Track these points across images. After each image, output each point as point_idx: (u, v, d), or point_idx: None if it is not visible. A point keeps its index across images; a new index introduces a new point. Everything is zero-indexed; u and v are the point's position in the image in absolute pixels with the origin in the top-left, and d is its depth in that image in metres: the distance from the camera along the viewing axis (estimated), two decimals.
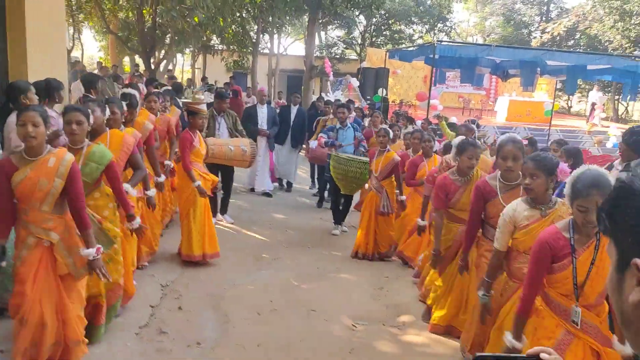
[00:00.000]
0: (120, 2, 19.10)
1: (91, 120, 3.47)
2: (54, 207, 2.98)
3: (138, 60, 21.67)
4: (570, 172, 2.89)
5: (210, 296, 4.72)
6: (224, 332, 4.07)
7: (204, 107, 5.62)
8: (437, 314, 4.28)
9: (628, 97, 14.98)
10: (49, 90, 4.63)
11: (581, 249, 2.44)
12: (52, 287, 3.01)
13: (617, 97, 26.40)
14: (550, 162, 2.92)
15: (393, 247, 6.25)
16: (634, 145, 3.95)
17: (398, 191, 6.13)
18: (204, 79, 18.58)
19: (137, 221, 3.82)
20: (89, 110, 3.50)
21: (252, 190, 8.98)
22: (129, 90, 5.32)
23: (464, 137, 4.45)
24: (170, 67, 23.45)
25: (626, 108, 29.09)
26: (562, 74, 13.01)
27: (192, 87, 17.08)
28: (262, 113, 8.54)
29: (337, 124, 7.53)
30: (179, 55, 30.19)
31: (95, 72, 16.91)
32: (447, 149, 5.42)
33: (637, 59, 13.11)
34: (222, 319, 4.29)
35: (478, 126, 7.61)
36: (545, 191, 2.91)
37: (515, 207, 2.97)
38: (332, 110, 8.95)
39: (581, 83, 25.74)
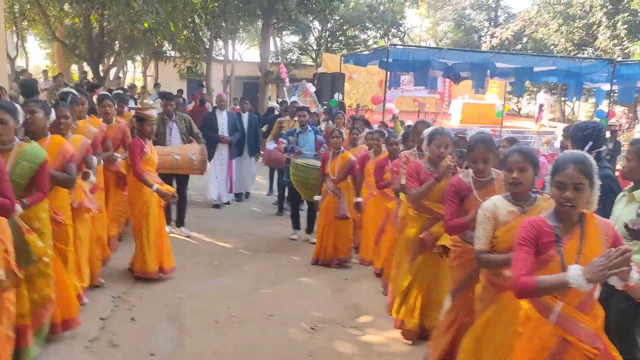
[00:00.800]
0: (66, 9, 18.54)
1: (20, 119, 3.25)
2: None
3: (86, 68, 21.09)
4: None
5: (166, 306, 4.56)
6: (179, 343, 3.93)
7: (152, 112, 5.30)
8: (405, 316, 4.16)
9: (573, 98, 15.59)
10: None
11: (566, 237, 2.33)
12: None
13: (563, 98, 27.45)
14: (535, 154, 2.83)
15: (352, 251, 6.17)
16: (578, 141, 4.06)
17: (355, 193, 6.00)
18: (156, 85, 18.21)
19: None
20: (18, 107, 3.28)
21: (217, 206, 8.48)
22: (67, 88, 5.22)
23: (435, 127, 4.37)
24: (120, 74, 22.91)
25: (572, 109, 30.31)
26: (510, 75, 13.41)
27: (144, 94, 16.72)
28: (222, 119, 8.29)
29: (296, 127, 7.33)
30: (129, 62, 29.59)
31: (42, 81, 16.34)
32: (405, 139, 5.43)
33: (580, 60, 13.62)
34: (177, 328, 4.15)
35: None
36: (530, 186, 2.79)
37: (496, 203, 2.80)
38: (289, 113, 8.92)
39: (529, 85, 26.68)
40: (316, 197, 6.11)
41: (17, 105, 3.34)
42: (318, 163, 6.32)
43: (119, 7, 10.57)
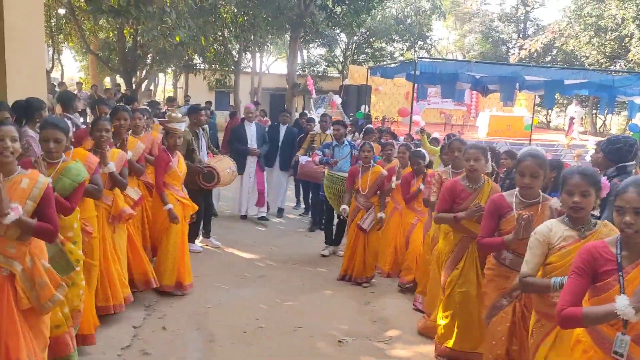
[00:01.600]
0: (101, 22, 19.11)
1: (70, 136, 3.36)
2: (21, 233, 2.71)
3: (119, 80, 21.65)
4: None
5: (195, 315, 4.65)
6: (209, 352, 4.00)
7: (179, 125, 5.25)
8: (441, 337, 4.01)
9: (605, 111, 15.32)
10: (29, 110, 4.57)
11: (629, 266, 2.17)
12: (12, 325, 2.68)
13: (594, 111, 26.96)
14: (598, 176, 2.66)
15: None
16: (610, 155, 4.02)
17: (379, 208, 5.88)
18: (186, 97, 18.57)
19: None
20: (69, 124, 3.43)
21: (244, 217, 8.37)
22: (120, 105, 5.35)
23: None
24: (151, 87, 23.45)
25: (604, 122, 29.71)
26: (540, 88, 13.28)
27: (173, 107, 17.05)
28: (251, 131, 8.08)
29: (332, 140, 7.30)
30: (160, 75, 30.23)
31: (77, 92, 16.82)
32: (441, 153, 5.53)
33: (613, 73, 13.40)
34: (206, 338, 4.22)
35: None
36: (590, 210, 2.64)
37: (551, 227, 2.64)
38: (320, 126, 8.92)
39: (559, 98, 26.28)
40: (344, 207, 5.95)
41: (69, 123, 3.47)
42: None
43: (153, 22, 10.84)
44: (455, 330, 3.89)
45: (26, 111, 4.56)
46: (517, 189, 3.23)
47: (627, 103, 15.58)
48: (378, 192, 5.92)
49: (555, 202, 3.15)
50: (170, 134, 5.17)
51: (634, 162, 4.06)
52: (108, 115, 4.78)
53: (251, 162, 8.10)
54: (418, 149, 6.35)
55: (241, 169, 7.74)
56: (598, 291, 2.21)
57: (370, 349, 4.23)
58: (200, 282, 5.41)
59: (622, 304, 2.02)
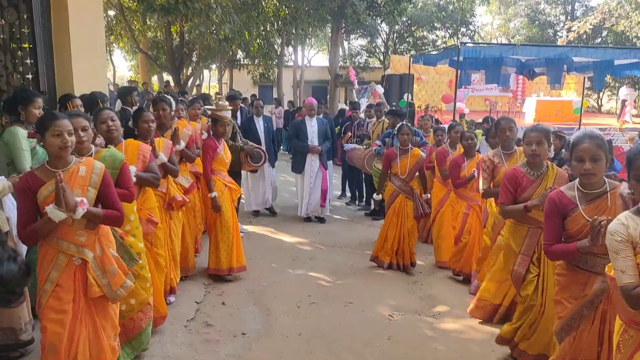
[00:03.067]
0: (149, 22, 19.79)
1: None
2: (88, 221, 2.73)
3: (167, 77, 22.37)
4: None
5: (251, 292, 4.92)
6: (266, 324, 4.26)
7: (227, 113, 5.37)
8: (522, 341, 3.65)
9: None
10: (93, 102, 4.91)
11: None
12: (85, 313, 2.74)
13: None
14: None
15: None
16: None
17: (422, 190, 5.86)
18: (231, 91, 19.04)
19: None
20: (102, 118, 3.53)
21: (308, 219, 7.83)
22: (160, 95, 5.56)
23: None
24: (197, 82, 24.06)
25: None
26: (589, 70, 12.90)
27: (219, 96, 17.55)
28: (312, 127, 7.64)
29: (390, 128, 7.47)
30: (205, 71, 30.96)
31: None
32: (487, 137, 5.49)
33: None
34: (264, 312, 4.49)
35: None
36: None
37: (626, 222, 2.20)
38: (367, 114, 9.10)
39: (610, 80, 25.39)
40: (376, 196, 6.06)
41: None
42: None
43: (200, 18, 11.23)
44: (534, 334, 3.56)
45: (90, 103, 4.89)
46: (576, 180, 2.79)
47: None
48: (417, 175, 5.81)
49: (624, 187, 2.67)
50: (219, 122, 5.26)
51: None
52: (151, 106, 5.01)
53: (312, 160, 7.62)
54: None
55: (301, 167, 7.66)
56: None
57: (419, 322, 4.39)
58: (254, 263, 5.69)
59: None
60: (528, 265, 3.59)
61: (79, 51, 5.36)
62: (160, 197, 4.28)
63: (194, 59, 19.29)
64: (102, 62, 6.36)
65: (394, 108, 14.34)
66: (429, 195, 5.93)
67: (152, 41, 21.29)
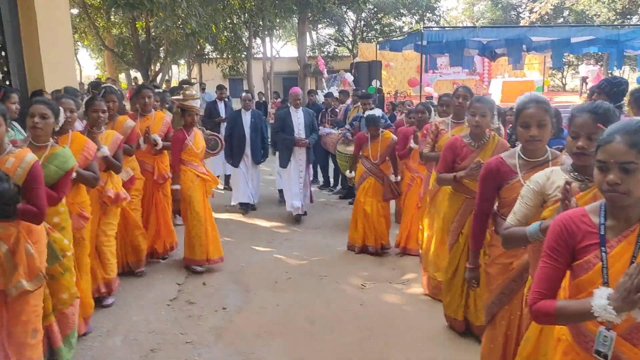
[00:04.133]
0: (113, 19, 19.63)
1: (61, 119, 3.23)
2: None
3: (134, 74, 22.23)
4: None
5: (230, 273, 5.14)
6: (246, 299, 4.51)
7: (195, 103, 5.23)
8: (448, 309, 3.84)
9: (615, 65, 15.35)
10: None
11: (615, 239, 1.66)
12: (1, 307, 2.71)
13: (609, 70, 26.75)
14: (613, 113, 2.10)
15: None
16: (615, 96, 4.21)
17: (393, 174, 5.84)
18: (202, 84, 19.10)
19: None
20: (60, 108, 3.25)
21: (300, 216, 7.23)
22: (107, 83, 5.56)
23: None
24: (167, 77, 23.96)
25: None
26: (547, 49, 13.43)
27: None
28: (298, 119, 7.07)
29: (361, 112, 7.40)
30: (174, 67, 30.76)
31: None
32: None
33: (619, 27, 13.46)
34: (243, 289, 4.73)
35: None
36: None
37: (549, 175, 2.21)
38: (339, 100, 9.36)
39: (573, 59, 26.14)
40: (348, 173, 6.13)
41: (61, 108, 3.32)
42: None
43: (165, 13, 11.28)
44: (467, 304, 3.73)
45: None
46: (517, 147, 2.68)
47: (637, 57, 15.61)
48: (388, 158, 5.81)
49: (566, 157, 2.48)
50: (187, 112, 5.14)
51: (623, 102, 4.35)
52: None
53: (299, 154, 7.07)
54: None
55: (287, 161, 7.08)
56: (577, 272, 1.73)
57: (389, 289, 4.70)
58: (232, 246, 5.91)
59: (599, 303, 1.55)
60: (457, 236, 3.68)
61: (47, 48, 5.47)
62: (97, 191, 4.08)
63: (162, 54, 19.23)
64: (71, 58, 6.46)
65: (363, 91, 14.65)
66: (399, 177, 5.93)
67: (117, 38, 21.12)
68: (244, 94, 7.72)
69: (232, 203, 7.76)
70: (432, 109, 5.79)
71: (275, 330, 3.91)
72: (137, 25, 17.44)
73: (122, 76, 26.63)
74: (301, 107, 7.22)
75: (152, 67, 19.39)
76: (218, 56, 23.29)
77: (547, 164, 2.56)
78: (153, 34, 17.08)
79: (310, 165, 7.48)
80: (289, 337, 3.82)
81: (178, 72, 34.95)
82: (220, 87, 9.48)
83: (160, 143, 5.18)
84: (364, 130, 5.98)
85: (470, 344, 3.65)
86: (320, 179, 9.82)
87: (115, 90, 5.04)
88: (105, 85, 5.44)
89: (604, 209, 1.72)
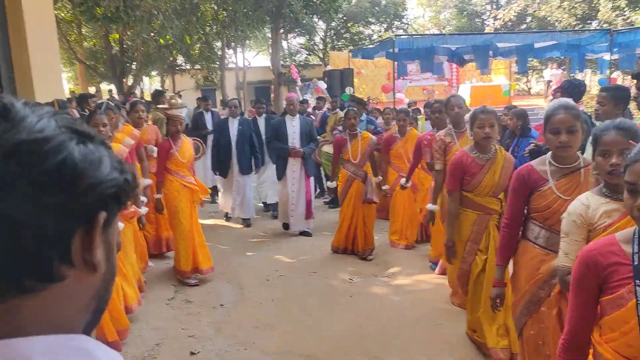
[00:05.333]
0: (84, 32, 19.61)
1: None
2: None
3: (105, 87, 22.16)
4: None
5: (223, 273, 5.35)
6: (241, 296, 4.75)
7: (181, 112, 5.22)
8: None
9: (577, 69, 16.05)
10: (60, 109, 5.22)
11: None
12: None
13: (572, 74, 27.81)
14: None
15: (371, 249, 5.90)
16: (576, 96, 4.60)
17: (374, 175, 5.89)
18: (178, 93, 19.21)
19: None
20: None
21: (286, 226, 6.90)
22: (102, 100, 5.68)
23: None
24: (137, 90, 23.95)
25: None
26: (512, 54, 13.99)
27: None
28: (293, 127, 6.61)
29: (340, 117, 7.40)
30: (145, 78, 30.67)
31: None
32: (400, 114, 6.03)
33: (580, 32, 14.15)
34: (237, 287, 4.96)
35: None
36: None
37: (587, 202, 2.07)
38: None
39: (537, 64, 27.09)
40: (330, 184, 6.13)
41: None
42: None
43: (142, 25, 11.43)
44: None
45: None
46: (548, 154, 2.59)
47: (598, 60, 16.38)
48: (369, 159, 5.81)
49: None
50: (171, 121, 5.12)
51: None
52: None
53: (294, 165, 6.59)
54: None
55: (283, 173, 6.65)
56: (607, 309, 1.54)
57: (375, 282, 5.00)
58: (220, 250, 6.10)
59: None
60: (474, 257, 3.48)
61: (37, 62, 5.62)
62: None
63: (134, 66, 19.29)
64: (59, 71, 6.61)
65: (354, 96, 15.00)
66: (380, 177, 6.00)
67: (89, 51, 21.06)
68: (230, 101, 7.34)
69: (223, 209, 7.53)
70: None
71: (272, 323, 4.16)
72: (109, 38, 17.51)
73: (92, 89, 26.46)
74: (298, 115, 6.77)
75: (125, 81, 19.42)
76: (191, 67, 23.43)
77: (579, 170, 2.50)
78: (126, 46, 17.19)
79: (311, 179, 6.87)
80: (287, 328, 4.07)
81: (150, 84, 34.83)
82: (204, 98, 9.48)
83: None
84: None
85: (454, 322, 3.95)
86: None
87: (113, 107, 4.96)
88: (103, 100, 5.55)
89: (638, 235, 1.50)
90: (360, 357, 3.56)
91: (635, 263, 1.44)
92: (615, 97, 3.72)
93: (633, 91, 4.71)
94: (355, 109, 6.03)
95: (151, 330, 4.03)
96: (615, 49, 13.60)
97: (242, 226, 7.32)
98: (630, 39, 13.13)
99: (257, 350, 3.70)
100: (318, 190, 9.42)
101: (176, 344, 3.83)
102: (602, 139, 2.04)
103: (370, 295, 4.65)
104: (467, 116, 4.23)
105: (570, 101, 2.62)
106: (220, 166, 7.12)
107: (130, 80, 19.82)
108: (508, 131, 6.11)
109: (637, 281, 1.42)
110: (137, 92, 22.06)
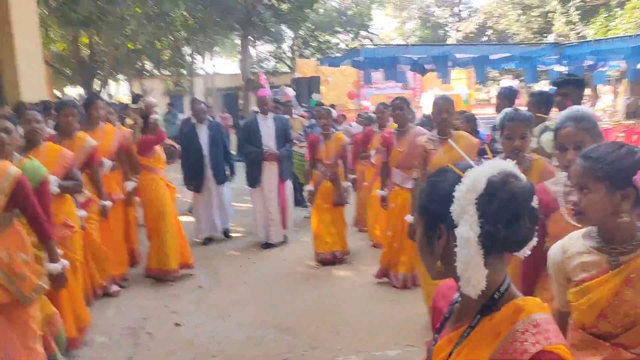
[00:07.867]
0: (52, 35, 19.61)
1: (20, 132, 3.05)
2: None
3: (70, 91, 22.10)
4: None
5: (199, 262, 5.76)
6: (217, 279, 5.23)
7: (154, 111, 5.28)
8: None
9: (530, 81, 17.05)
10: (47, 109, 5.57)
11: (447, 328, 1.18)
12: None
13: (528, 85, 29.17)
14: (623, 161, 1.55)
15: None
16: (540, 105, 4.97)
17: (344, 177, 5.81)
18: (138, 96, 19.34)
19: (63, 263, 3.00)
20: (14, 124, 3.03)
21: (267, 245, 6.23)
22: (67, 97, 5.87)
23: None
24: (106, 95, 23.96)
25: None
26: (470, 65, 14.85)
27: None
28: (267, 127, 6.08)
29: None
30: (114, 84, 30.59)
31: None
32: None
33: (532, 46, 15.12)
34: (213, 272, 5.44)
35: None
36: (612, 215, 1.57)
37: (567, 246, 1.74)
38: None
39: (496, 74, 28.33)
40: (308, 187, 5.81)
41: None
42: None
43: (114, 30, 11.77)
44: None
45: (45, 110, 5.55)
46: (564, 174, 2.13)
47: (550, 71, 17.46)
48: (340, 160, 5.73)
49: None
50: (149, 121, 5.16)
51: None
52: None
53: (269, 170, 6.10)
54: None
55: (256, 179, 6.12)
56: None
57: (339, 267, 5.53)
58: (196, 242, 6.50)
59: None
60: None
61: (23, 64, 5.98)
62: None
63: (102, 72, 19.39)
64: (42, 73, 6.95)
65: (304, 109, 15.54)
66: (349, 183, 5.88)
67: (56, 54, 21.02)
68: (198, 105, 6.56)
69: (196, 239, 6.48)
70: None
71: (245, 300, 4.65)
72: (78, 42, 17.59)
73: (57, 93, 26.28)
74: (271, 114, 6.21)
75: (93, 85, 19.50)
76: (159, 73, 23.62)
77: None
78: (94, 50, 17.31)
79: (287, 184, 6.34)
80: (258, 304, 4.56)
81: (117, 89, 34.68)
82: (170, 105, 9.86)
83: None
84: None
85: (409, 299, 4.49)
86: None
87: (76, 103, 4.72)
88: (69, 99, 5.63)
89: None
90: (322, 326, 4.09)
91: (447, 316, 1.19)
92: (537, 103, 4.29)
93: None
94: (328, 108, 6.12)
95: (137, 307, 4.46)
96: (564, 61, 14.61)
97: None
98: (579, 51, 14.16)
99: (234, 322, 4.18)
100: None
101: (162, 317, 4.28)
102: (558, 132, 2.02)
103: (332, 277, 5.19)
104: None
105: (585, 111, 2.24)
106: (194, 178, 6.30)
107: (97, 85, 19.89)
108: None
109: (436, 335, 1.18)
110: (105, 96, 22.15)
